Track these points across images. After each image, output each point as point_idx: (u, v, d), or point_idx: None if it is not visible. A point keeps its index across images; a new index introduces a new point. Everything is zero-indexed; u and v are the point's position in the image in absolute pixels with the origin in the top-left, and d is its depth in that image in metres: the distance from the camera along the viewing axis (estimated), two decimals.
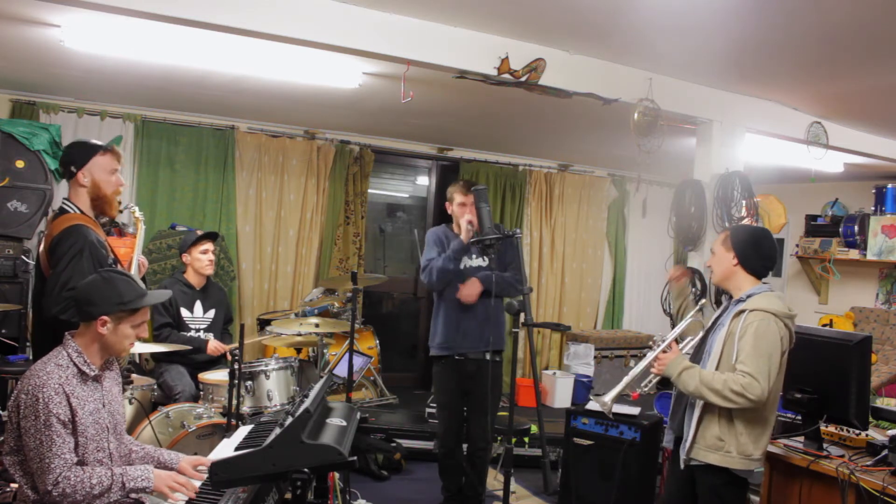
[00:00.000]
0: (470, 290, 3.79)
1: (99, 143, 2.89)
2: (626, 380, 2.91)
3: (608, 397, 2.88)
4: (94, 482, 2.13)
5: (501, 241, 3.00)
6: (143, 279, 2.69)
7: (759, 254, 2.78)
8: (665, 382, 4.25)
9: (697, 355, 2.85)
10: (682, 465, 2.80)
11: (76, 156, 2.80)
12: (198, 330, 4.44)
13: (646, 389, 2.90)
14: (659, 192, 7.82)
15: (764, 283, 2.81)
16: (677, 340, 2.91)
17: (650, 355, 2.85)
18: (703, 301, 3.17)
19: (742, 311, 2.67)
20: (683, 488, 2.87)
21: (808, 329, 3.15)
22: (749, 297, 2.72)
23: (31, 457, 2.11)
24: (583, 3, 3.15)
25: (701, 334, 2.94)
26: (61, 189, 4.97)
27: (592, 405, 4.08)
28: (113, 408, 2.37)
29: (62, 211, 2.76)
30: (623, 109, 4.10)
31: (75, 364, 2.23)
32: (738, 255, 2.76)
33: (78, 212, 2.76)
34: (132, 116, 5.71)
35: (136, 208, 3.26)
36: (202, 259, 4.44)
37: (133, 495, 2.23)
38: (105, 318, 2.24)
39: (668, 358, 2.76)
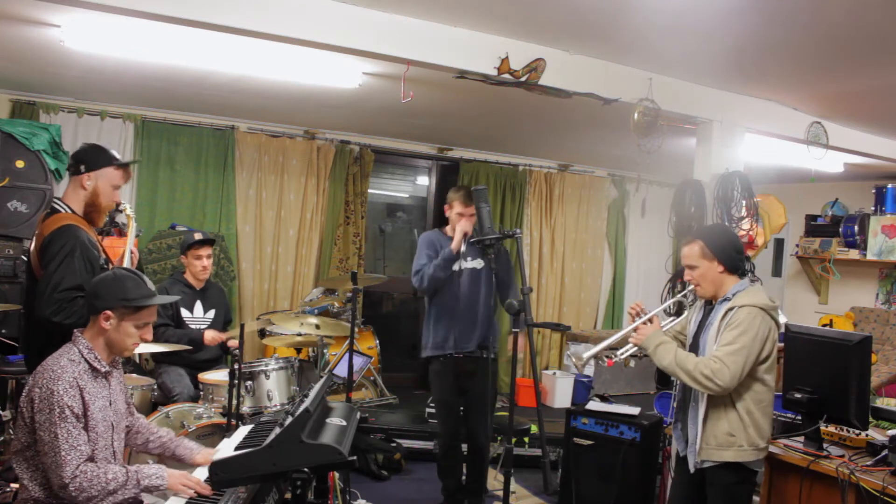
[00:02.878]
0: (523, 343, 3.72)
1: (117, 155, 2.87)
2: (604, 343, 2.94)
3: (585, 354, 2.91)
4: (109, 477, 2.15)
5: (501, 240, 3.00)
6: (140, 268, 2.69)
7: (737, 251, 2.80)
8: (664, 382, 4.25)
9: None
10: (692, 470, 2.79)
11: (91, 158, 2.78)
12: (198, 330, 4.44)
13: (621, 357, 2.94)
14: (659, 192, 7.82)
15: (741, 276, 2.82)
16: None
17: (632, 325, 2.87)
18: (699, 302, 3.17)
19: (731, 309, 2.69)
20: (691, 492, 2.87)
21: (808, 329, 3.15)
22: (734, 294, 2.74)
23: (45, 451, 2.13)
24: (583, 3, 3.15)
25: (688, 323, 2.96)
26: (61, 189, 4.97)
27: (592, 405, 4.08)
28: (118, 406, 2.40)
29: (53, 210, 2.73)
30: (623, 109, 4.10)
31: (86, 360, 2.26)
32: (724, 261, 2.75)
33: (69, 212, 2.73)
34: (132, 116, 5.71)
35: (128, 206, 3.23)
36: (196, 265, 4.43)
37: (144, 496, 2.25)
38: (108, 312, 2.26)
39: (647, 330, 2.81)
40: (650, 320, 2.86)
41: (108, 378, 2.35)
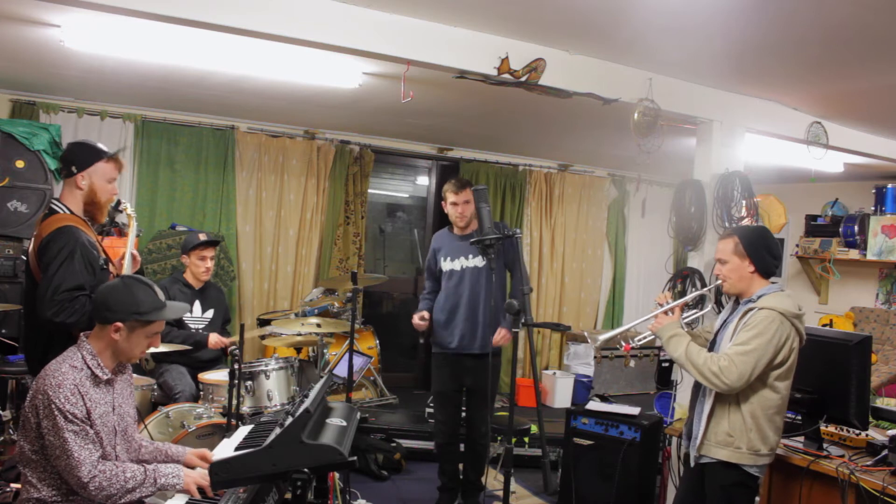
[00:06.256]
0: (502, 339, 3.88)
1: (104, 148, 2.83)
2: (624, 326, 3.01)
3: (602, 336, 2.96)
4: (127, 476, 2.16)
5: (501, 240, 3.00)
6: (140, 273, 2.66)
7: (772, 255, 2.78)
8: (664, 382, 4.25)
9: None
10: (692, 463, 2.81)
11: (80, 157, 2.76)
12: (196, 329, 4.44)
13: (638, 344, 2.98)
14: (659, 192, 7.82)
15: (773, 281, 2.82)
16: (682, 309, 2.98)
17: (653, 312, 2.89)
18: (707, 308, 3.19)
19: (751, 309, 2.68)
20: (693, 489, 2.88)
21: (808, 329, 3.14)
22: (760, 297, 2.72)
23: (57, 455, 2.13)
24: (583, 3, 3.15)
25: (704, 315, 2.98)
26: (61, 190, 4.97)
27: (592, 405, 4.08)
28: (123, 410, 2.39)
29: (52, 211, 2.71)
30: (623, 109, 4.10)
31: (89, 367, 2.25)
32: (756, 261, 2.74)
33: (68, 212, 2.72)
34: (132, 116, 5.71)
35: (128, 204, 3.19)
36: (199, 265, 4.43)
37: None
38: (119, 324, 2.25)
39: (665, 320, 2.83)
40: (672, 311, 2.86)
41: (112, 384, 2.34)
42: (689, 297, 3.17)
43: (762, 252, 2.75)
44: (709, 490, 2.78)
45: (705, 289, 3.08)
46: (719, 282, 2.86)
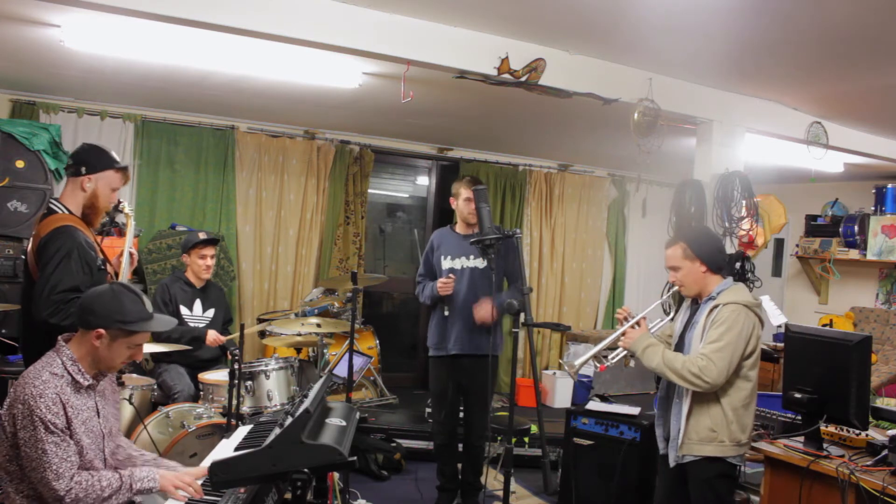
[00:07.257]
0: (484, 314, 3.68)
1: (118, 158, 2.86)
2: (595, 348, 3.00)
3: (577, 361, 2.97)
4: (104, 484, 2.13)
5: (501, 241, 3.00)
6: (139, 272, 2.66)
7: (719, 250, 2.87)
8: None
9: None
10: (672, 464, 2.83)
11: (92, 160, 2.76)
12: (200, 328, 4.44)
13: (612, 363, 3.00)
14: (659, 192, 7.81)
15: (724, 275, 2.88)
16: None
17: (621, 329, 2.93)
18: (672, 314, 3.21)
19: (716, 307, 2.75)
20: (675, 488, 2.89)
21: (808, 329, 3.15)
22: (719, 293, 2.79)
23: (33, 467, 2.07)
24: (583, 3, 3.15)
25: (675, 323, 3.00)
26: (61, 189, 4.97)
27: (592, 405, 4.08)
28: (106, 412, 2.35)
29: (51, 211, 2.71)
30: (623, 109, 4.10)
31: (69, 372, 2.18)
32: (707, 261, 2.81)
33: (67, 213, 2.72)
34: (132, 116, 5.71)
35: (125, 203, 3.16)
36: (200, 264, 4.46)
37: (138, 498, 2.23)
38: (101, 331, 2.18)
39: (635, 334, 2.87)
40: (638, 324, 2.91)
41: (93, 388, 2.28)
42: (651, 307, 3.21)
43: (710, 250, 2.83)
44: (692, 486, 2.80)
45: (662, 297, 3.13)
46: (675, 288, 2.92)
